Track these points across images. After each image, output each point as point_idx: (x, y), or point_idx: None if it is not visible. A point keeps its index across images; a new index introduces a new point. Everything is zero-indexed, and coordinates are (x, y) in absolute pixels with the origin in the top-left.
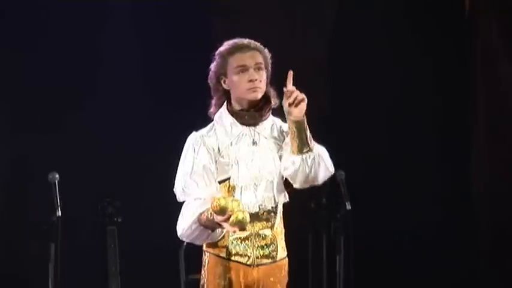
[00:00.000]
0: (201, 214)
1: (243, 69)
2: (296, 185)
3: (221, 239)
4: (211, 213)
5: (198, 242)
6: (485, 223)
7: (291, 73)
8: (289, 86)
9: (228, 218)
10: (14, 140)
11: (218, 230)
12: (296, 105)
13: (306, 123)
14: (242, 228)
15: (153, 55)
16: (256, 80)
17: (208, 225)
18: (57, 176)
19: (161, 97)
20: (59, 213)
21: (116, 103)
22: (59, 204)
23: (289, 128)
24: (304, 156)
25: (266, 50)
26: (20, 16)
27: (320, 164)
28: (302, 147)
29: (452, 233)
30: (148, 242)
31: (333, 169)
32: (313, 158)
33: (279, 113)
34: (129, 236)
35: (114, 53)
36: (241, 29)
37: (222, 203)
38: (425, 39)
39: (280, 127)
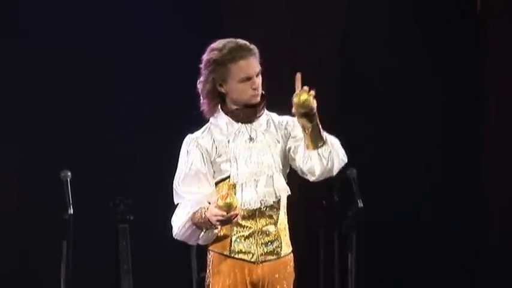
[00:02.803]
0: (194, 213)
1: (248, 78)
2: (313, 178)
3: (224, 237)
4: (205, 212)
5: (190, 242)
6: (497, 222)
7: (299, 76)
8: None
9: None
10: (26, 138)
11: (210, 233)
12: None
13: (317, 117)
14: (229, 211)
15: (163, 55)
16: (258, 86)
17: (201, 223)
18: (69, 174)
19: (171, 96)
20: (71, 211)
21: (127, 101)
22: (71, 202)
23: (301, 125)
24: (320, 150)
25: (258, 53)
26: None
27: (335, 155)
28: (317, 142)
29: (465, 232)
30: (160, 240)
31: (346, 158)
32: (330, 152)
33: (276, 108)
34: (141, 234)
35: (124, 52)
36: (250, 29)
37: (234, 201)
38: (436, 39)
39: (277, 121)
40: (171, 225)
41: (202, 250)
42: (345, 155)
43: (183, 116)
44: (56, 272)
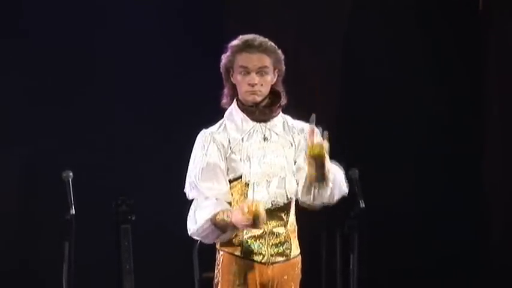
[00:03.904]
0: (215, 215)
1: (245, 71)
2: (311, 207)
3: (235, 237)
4: (227, 216)
5: (207, 241)
6: (498, 222)
7: (313, 116)
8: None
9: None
10: (28, 138)
11: (230, 234)
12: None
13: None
14: (255, 222)
15: (166, 54)
16: (256, 84)
17: (222, 226)
18: (71, 174)
19: (172, 97)
20: (73, 211)
21: (129, 102)
22: (72, 202)
23: (308, 162)
24: (321, 190)
25: (279, 51)
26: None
27: (335, 191)
28: (320, 183)
29: (466, 232)
30: (161, 240)
31: (347, 189)
32: (331, 191)
33: (289, 110)
34: (143, 234)
35: (126, 54)
36: (253, 30)
37: (260, 209)
38: (438, 38)
39: (291, 124)
40: (184, 224)
41: (204, 250)
42: (346, 186)
43: (184, 116)
44: (58, 273)
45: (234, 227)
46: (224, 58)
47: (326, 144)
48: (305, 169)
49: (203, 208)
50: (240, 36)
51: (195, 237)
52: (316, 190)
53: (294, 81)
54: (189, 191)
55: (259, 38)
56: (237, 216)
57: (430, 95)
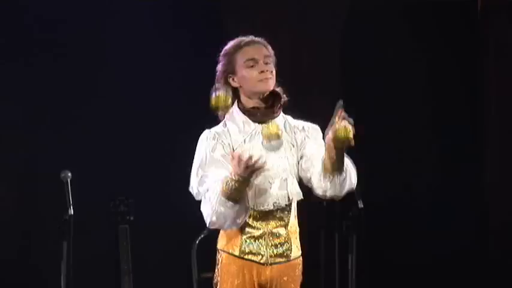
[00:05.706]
0: (222, 187)
1: (253, 62)
2: (321, 196)
3: (235, 237)
4: (229, 178)
5: (227, 223)
6: (497, 222)
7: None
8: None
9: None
10: (27, 138)
11: (241, 203)
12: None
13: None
14: (276, 137)
15: (165, 54)
16: (267, 70)
17: (230, 192)
18: (69, 174)
19: (172, 97)
20: (71, 211)
21: (128, 101)
22: (71, 202)
23: (328, 150)
24: (336, 176)
25: (270, 47)
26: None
27: (347, 182)
28: (336, 169)
29: (465, 232)
30: (160, 241)
31: (356, 181)
32: (344, 179)
33: (289, 110)
34: (141, 234)
35: (125, 54)
36: (252, 28)
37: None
38: (437, 40)
39: (293, 124)
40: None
41: (203, 250)
42: (356, 179)
43: (183, 116)
44: (57, 273)
45: (239, 183)
46: (220, 66)
47: (352, 129)
48: (318, 157)
49: (210, 192)
50: (229, 43)
51: (214, 226)
52: (332, 178)
53: (294, 81)
54: (196, 190)
55: (249, 36)
56: (234, 164)
57: (429, 95)
